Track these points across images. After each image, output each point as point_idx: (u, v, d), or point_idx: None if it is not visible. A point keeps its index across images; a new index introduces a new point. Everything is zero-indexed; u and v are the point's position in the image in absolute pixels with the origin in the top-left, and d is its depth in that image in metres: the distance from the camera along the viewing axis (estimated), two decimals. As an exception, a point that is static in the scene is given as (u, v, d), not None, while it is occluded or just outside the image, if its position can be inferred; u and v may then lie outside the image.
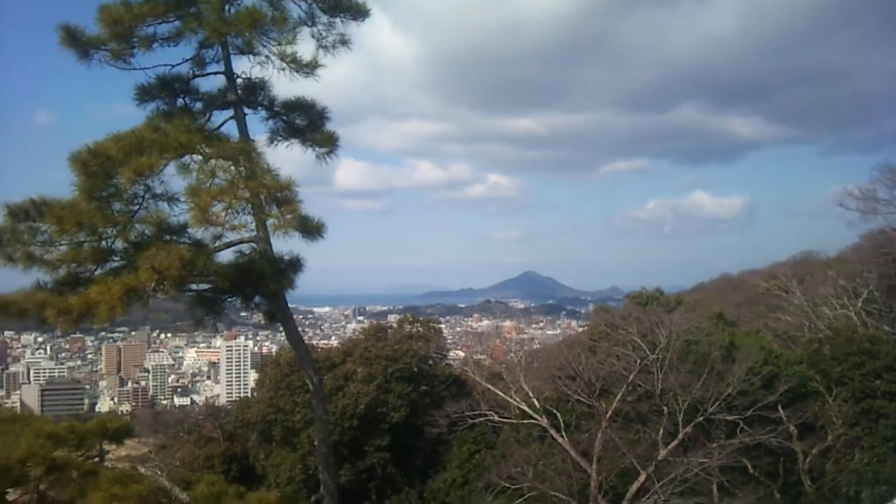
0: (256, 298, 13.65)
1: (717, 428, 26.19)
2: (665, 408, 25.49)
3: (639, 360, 26.20)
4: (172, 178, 12.09)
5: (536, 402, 27.54)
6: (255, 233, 12.61)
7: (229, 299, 13.62)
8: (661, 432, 25.02)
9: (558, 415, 27.04)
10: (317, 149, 13.82)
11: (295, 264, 13.18)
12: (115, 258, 12.24)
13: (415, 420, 33.95)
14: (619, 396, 26.23)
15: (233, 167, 11.70)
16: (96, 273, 12.07)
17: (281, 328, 15.30)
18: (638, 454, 24.79)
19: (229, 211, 11.26)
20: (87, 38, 11.92)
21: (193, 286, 12.61)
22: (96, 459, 15.19)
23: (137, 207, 12.01)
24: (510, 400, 28.13)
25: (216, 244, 12.38)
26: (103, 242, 11.91)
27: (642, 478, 24.19)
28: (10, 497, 14.54)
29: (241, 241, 12.70)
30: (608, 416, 25.73)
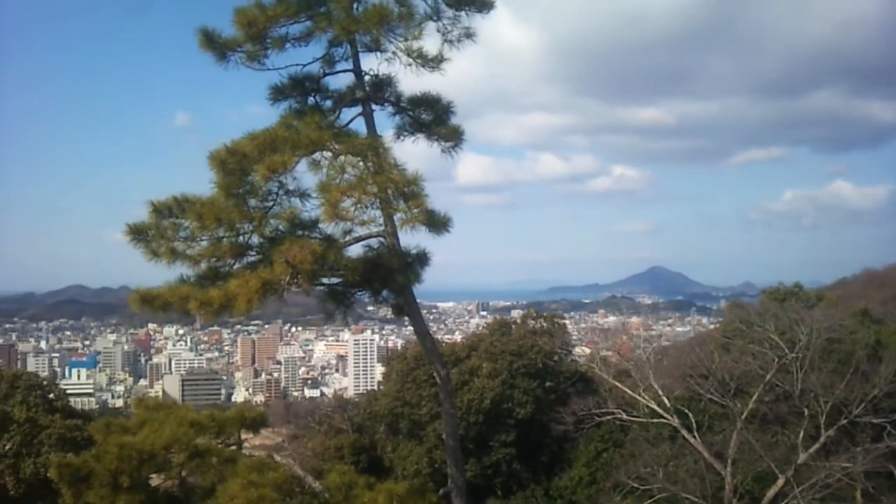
0: (384, 292, 13.80)
1: (861, 431, 24.75)
2: (805, 409, 24.31)
3: (776, 359, 25.09)
4: (304, 175, 12.37)
5: (667, 401, 26.81)
6: (382, 227, 12.76)
7: (358, 293, 13.83)
8: (800, 435, 23.86)
9: (690, 414, 26.23)
10: (442, 143, 13.86)
11: (422, 258, 13.28)
12: (251, 253, 12.65)
13: (540, 416, 33.77)
14: (755, 397, 25.24)
15: (361, 163, 11.87)
16: (234, 267, 12.50)
17: (406, 323, 15.42)
18: (776, 457, 23.76)
19: (358, 206, 11.43)
20: (224, 41, 12.39)
21: (325, 280, 12.89)
22: (234, 447, 15.81)
23: (272, 203, 12.37)
24: (639, 398, 27.53)
25: (346, 239, 12.61)
26: (240, 238, 12.32)
27: (780, 482, 23.16)
28: (152, 482, 15.30)
29: (369, 236, 12.88)
30: (743, 416, 24.80)
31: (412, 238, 12.76)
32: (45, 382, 41.11)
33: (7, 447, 32.81)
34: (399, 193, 11.71)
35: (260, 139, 11.92)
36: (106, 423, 16.71)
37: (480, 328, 50.31)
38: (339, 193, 11.22)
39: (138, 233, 12.28)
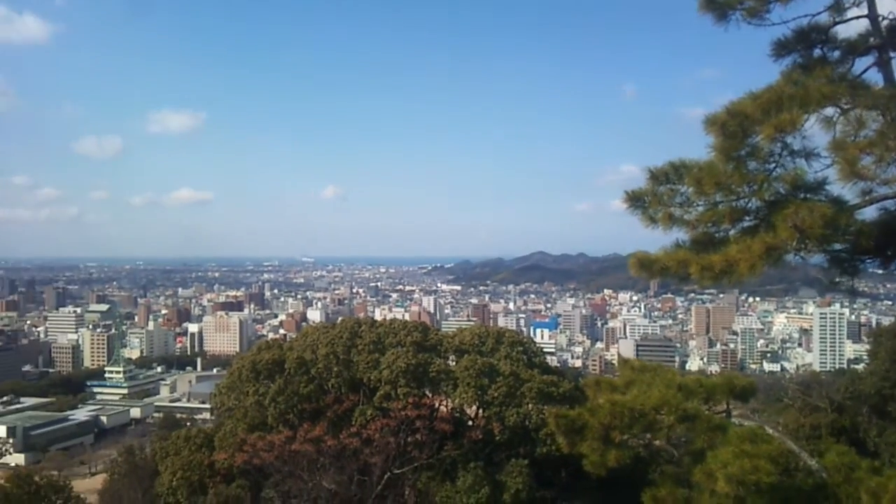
0: (901, 260, 12.47)
1: None
2: None
3: None
4: (811, 133, 11.61)
5: None
6: (903, 188, 11.45)
7: (868, 260, 12.69)
8: None
9: None
10: (977, 90, 11.94)
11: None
12: (748, 218, 12.27)
13: None
14: None
15: (881, 116, 10.76)
16: (730, 232, 12.26)
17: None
18: None
19: (879, 164, 10.38)
20: (726, 0, 12.16)
21: (835, 245, 12.03)
22: (723, 414, 15.62)
23: (774, 165, 11.83)
24: None
25: (859, 201, 11.59)
26: (739, 202, 12.01)
27: None
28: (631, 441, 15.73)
29: (885, 197, 11.66)
30: None
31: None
32: (524, 340, 44.88)
33: (495, 395, 36.65)
34: (930, 149, 10.39)
35: (763, 98, 11.44)
36: (596, 381, 17.69)
37: None
38: (857, 151, 10.31)
39: (635, 200, 12.63)
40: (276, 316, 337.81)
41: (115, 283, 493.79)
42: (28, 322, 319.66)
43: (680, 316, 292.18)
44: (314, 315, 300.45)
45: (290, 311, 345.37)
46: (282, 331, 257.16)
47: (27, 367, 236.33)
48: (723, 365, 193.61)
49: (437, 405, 37.00)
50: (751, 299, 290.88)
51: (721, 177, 11.70)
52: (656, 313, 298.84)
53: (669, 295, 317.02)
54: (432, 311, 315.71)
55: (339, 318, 58.54)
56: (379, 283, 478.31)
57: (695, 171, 12.00)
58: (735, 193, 11.93)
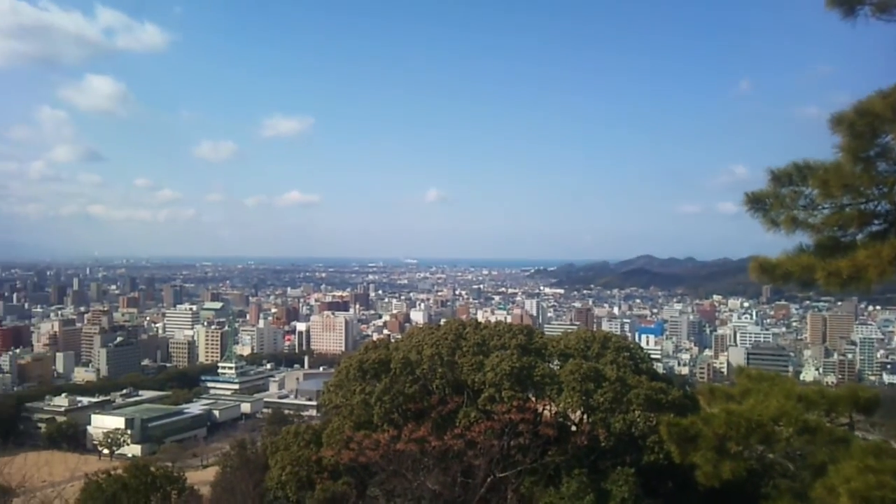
0: None
1: None
2: None
3: None
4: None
5: None
6: None
7: None
8: None
9: None
10: None
11: None
12: (877, 221, 11.75)
13: None
14: None
15: None
16: (858, 237, 11.76)
17: None
18: None
19: None
20: (856, -6, 11.65)
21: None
22: (846, 427, 14.93)
23: (905, 167, 11.29)
24: None
25: None
26: (868, 205, 11.50)
27: None
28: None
29: None
30: None
31: None
32: (631, 345, 44.00)
33: (600, 401, 36.01)
34: None
35: (893, 97, 10.94)
36: (710, 389, 17.20)
37: None
38: None
39: (756, 202, 12.26)
40: (380, 316, 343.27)
41: (228, 281, 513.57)
42: (147, 318, 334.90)
43: (794, 324, 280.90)
44: (417, 316, 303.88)
45: (394, 311, 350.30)
46: (386, 331, 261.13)
47: (146, 362, 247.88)
48: (840, 376, 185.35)
49: (540, 409, 36.64)
50: (870, 307, 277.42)
51: (849, 178, 11.26)
52: (769, 320, 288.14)
53: (783, 302, 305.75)
54: (534, 314, 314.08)
55: (442, 320, 58.95)
56: (481, 286, 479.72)
57: (820, 173, 11.57)
58: (864, 196, 11.46)
